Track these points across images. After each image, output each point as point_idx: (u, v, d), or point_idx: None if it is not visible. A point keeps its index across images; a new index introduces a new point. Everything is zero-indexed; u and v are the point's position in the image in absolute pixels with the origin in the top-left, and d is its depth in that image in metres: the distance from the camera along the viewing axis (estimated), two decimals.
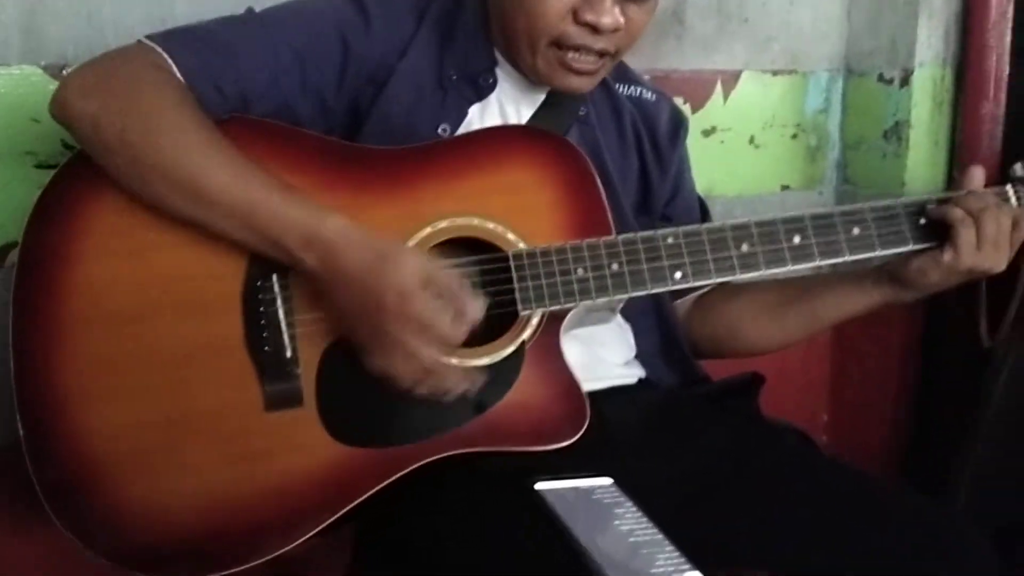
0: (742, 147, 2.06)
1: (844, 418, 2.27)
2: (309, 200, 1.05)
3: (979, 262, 1.16)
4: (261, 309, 1.08)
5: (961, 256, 1.15)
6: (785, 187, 2.15)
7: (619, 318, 1.30)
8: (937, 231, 1.17)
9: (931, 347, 2.12)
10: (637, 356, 1.33)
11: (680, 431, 1.22)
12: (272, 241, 1.04)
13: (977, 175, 1.20)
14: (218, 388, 1.07)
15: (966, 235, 1.14)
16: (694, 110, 1.97)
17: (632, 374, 1.30)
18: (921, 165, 2.07)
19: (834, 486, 1.16)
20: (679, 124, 1.39)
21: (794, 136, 2.13)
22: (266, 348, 1.08)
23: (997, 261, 1.17)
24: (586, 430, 1.10)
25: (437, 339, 1.01)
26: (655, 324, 1.33)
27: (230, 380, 1.07)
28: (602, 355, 1.27)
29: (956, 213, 1.14)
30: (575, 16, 1.12)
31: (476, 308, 1.03)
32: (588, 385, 1.16)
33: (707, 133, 2.00)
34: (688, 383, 1.35)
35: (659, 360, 1.34)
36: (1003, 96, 2.01)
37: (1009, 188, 1.20)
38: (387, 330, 1.01)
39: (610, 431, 1.16)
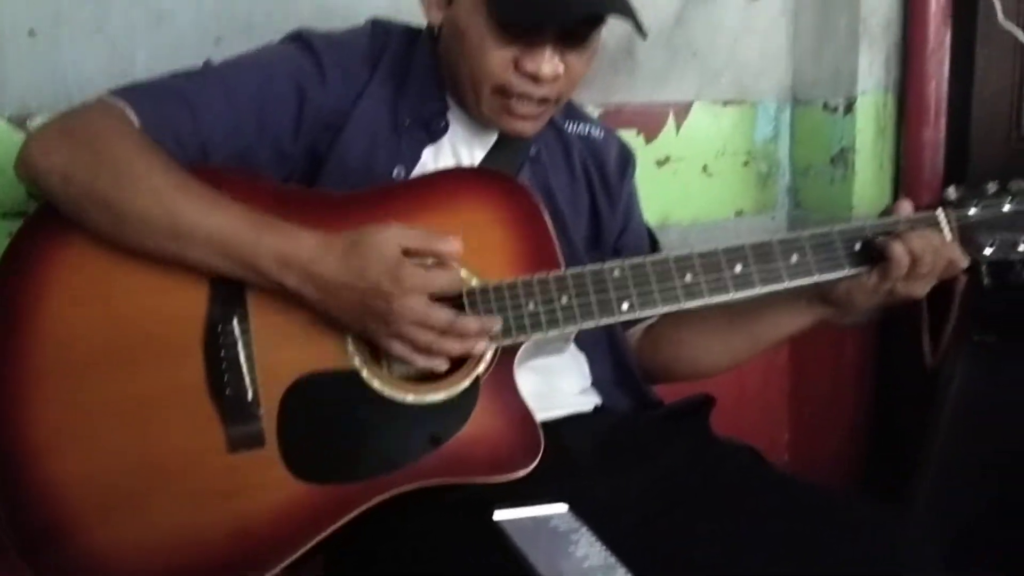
0: (695, 175, 2.13)
1: (804, 436, 2.32)
2: (280, 223, 1.10)
3: (901, 289, 1.22)
4: (222, 353, 1.12)
5: (887, 282, 1.21)
6: (739, 213, 2.22)
7: (574, 348, 1.35)
8: (871, 255, 1.22)
9: (882, 364, 2.19)
10: (593, 384, 1.37)
11: (635, 453, 1.26)
12: (249, 266, 1.09)
13: (905, 208, 1.25)
14: (183, 431, 1.10)
15: (899, 269, 1.19)
16: (647, 141, 2.04)
17: (588, 402, 1.35)
18: (867, 188, 2.14)
19: (785, 499, 1.20)
20: (627, 160, 1.44)
21: (745, 163, 2.20)
22: (228, 391, 1.11)
23: (919, 290, 1.23)
24: (545, 457, 1.13)
25: (442, 296, 1.08)
26: (608, 353, 1.37)
27: (194, 423, 1.10)
28: (558, 385, 1.32)
29: (897, 251, 1.19)
30: (516, 65, 1.17)
31: (454, 244, 1.10)
32: (546, 414, 1.20)
33: (661, 163, 2.06)
34: (642, 408, 1.39)
35: (614, 387, 1.38)
36: (943, 121, 2.10)
37: (940, 212, 1.24)
38: (395, 311, 1.06)
39: (569, 457, 1.20)
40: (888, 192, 2.17)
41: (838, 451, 2.28)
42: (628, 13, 1.16)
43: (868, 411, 2.25)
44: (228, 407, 1.11)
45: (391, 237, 1.08)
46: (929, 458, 1.91)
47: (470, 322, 1.10)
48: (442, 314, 1.08)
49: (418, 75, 1.28)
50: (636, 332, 1.42)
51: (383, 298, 1.06)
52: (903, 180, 2.13)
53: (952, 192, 1.27)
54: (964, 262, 1.23)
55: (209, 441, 1.10)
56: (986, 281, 1.27)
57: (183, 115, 1.16)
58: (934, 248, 1.20)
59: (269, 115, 1.21)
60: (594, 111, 1.92)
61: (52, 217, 1.13)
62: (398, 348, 1.10)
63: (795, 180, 2.25)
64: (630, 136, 1.98)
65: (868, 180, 2.14)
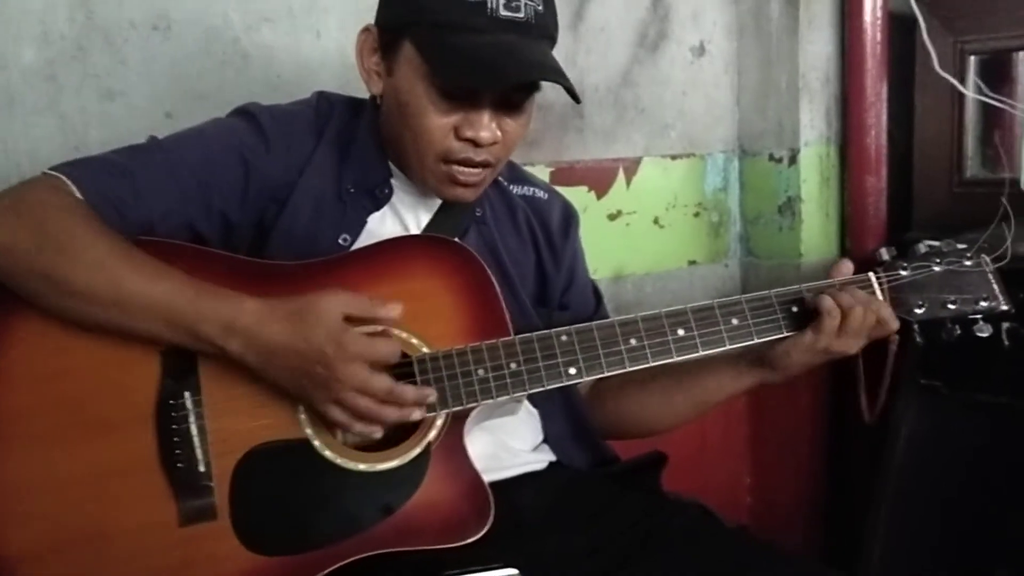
0: (647, 228, 2.17)
1: (765, 480, 2.36)
2: (222, 290, 1.11)
3: (836, 346, 1.26)
4: (174, 426, 1.13)
5: (820, 339, 1.25)
6: (692, 262, 2.26)
7: (527, 404, 1.37)
8: (806, 315, 1.26)
9: (836, 410, 2.24)
10: (546, 440, 1.39)
11: (586, 511, 1.28)
12: (193, 333, 1.10)
13: (844, 267, 1.30)
14: (134, 506, 1.11)
15: (830, 323, 1.24)
16: (599, 196, 2.07)
17: (541, 460, 1.37)
18: (815, 235, 2.20)
19: (733, 553, 1.23)
20: (570, 219, 1.48)
21: (696, 214, 2.25)
22: (179, 464, 1.12)
23: (851, 346, 1.27)
24: (496, 518, 1.15)
25: (381, 364, 1.10)
26: (563, 409, 1.39)
27: (146, 498, 1.11)
28: (509, 444, 1.34)
29: (827, 303, 1.24)
30: (457, 132, 1.21)
31: (393, 311, 1.13)
32: (497, 474, 1.22)
33: (612, 217, 2.10)
34: (598, 464, 1.42)
35: (569, 442, 1.40)
36: (884, 170, 2.16)
37: (872, 275, 1.29)
38: (336, 377, 1.08)
39: (520, 517, 1.22)
40: (835, 238, 2.23)
41: (797, 493, 2.31)
42: (561, 79, 1.19)
43: (824, 455, 2.29)
44: (180, 481, 1.12)
45: (334, 304, 1.10)
46: (882, 500, 1.95)
47: (407, 391, 1.12)
48: (382, 382, 1.09)
49: (361, 144, 1.31)
50: (585, 387, 1.45)
51: (325, 364, 1.08)
52: (848, 227, 2.20)
53: (884, 253, 1.31)
54: (894, 323, 1.26)
55: (161, 515, 1.11)
56: (919, 340, 1.30)
57: (124, 188, 1.18)
58: (863, 302, 1.24)
59: (213, 187, 1.23)
60: (545, 170, 1.96)
61: (7, 291, 1.13)
62: (336, 414, 1.11)
63: (746, 228, 2.31)
64: (581, 192, 2.02)
65: (815, 227, 2.20)
